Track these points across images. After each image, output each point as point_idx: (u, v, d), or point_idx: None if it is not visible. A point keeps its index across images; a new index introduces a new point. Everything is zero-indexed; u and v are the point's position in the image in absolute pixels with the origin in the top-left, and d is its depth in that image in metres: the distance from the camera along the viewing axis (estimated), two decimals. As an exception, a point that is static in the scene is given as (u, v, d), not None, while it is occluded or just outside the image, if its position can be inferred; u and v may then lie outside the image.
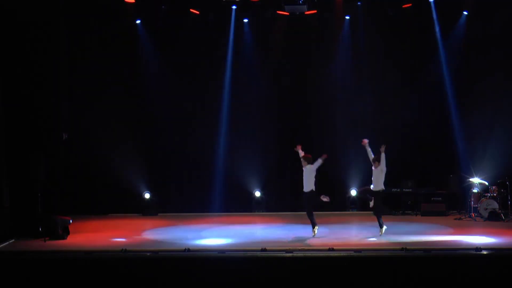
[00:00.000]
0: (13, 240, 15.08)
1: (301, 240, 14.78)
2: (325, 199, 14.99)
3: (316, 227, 14.96)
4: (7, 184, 15.74)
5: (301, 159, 15.23)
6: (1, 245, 14.44)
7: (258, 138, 19.72)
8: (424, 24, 19.38)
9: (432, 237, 15.06)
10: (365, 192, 15.39)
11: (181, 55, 19.67)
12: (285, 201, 19.77)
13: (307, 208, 15.06)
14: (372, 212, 15.54)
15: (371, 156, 15.04)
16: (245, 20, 19.85)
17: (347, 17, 19.85)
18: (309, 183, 14.94)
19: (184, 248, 13.25)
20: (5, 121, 15.89)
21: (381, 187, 14.95)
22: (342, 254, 12.77)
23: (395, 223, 17.04)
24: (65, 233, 15.28)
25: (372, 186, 15.08)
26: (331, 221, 16.85)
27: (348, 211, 19.59)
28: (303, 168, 15.12)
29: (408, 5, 19.25)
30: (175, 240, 14.86)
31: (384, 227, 14.78)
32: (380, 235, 14.70)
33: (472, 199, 17.91)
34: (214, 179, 19.57)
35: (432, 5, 19.18)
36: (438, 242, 14.34)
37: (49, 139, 17.68)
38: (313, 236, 14.85)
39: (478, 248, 12.89)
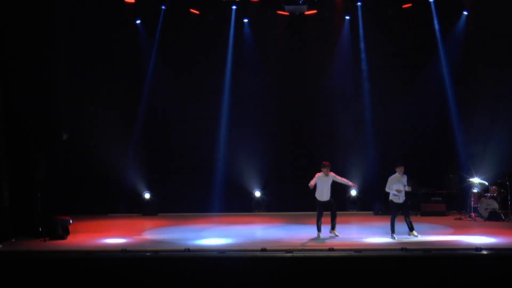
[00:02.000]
0: (13, 240, 15.09)
1: (301, 240, 14.78)
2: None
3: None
4: (7, 184, 15.73)
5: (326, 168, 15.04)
6: (1, 245, 14.44)
7: (258, 138, 19.71)
8: (424, 24, 19.39)
9: (432, 237, 15.06)
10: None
11: (181, 55, 19.68)
12: (285, 201, 19.76)
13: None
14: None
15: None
16: (245, 20, 19.86)
17: (347, 17, 19.86)
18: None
19: (184, 248, 13.24)
20: (6, 121, 15.88)
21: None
22: (342, 254, 12.77)
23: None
24: (65, 233, 15.29)
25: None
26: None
27: (348, 211, 19.59)
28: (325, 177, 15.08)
29: (408, 5, 19.27)
30: (175, 240, 14.86)
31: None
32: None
33: (472, 199, 17.91)
34: (214, 179, 19.58)
35: (432, 5, 19.20)
36: (438, 242, 14.34)
37: (49, 139, 17.67)
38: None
39: (478, 248, 12.88)
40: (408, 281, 11.56)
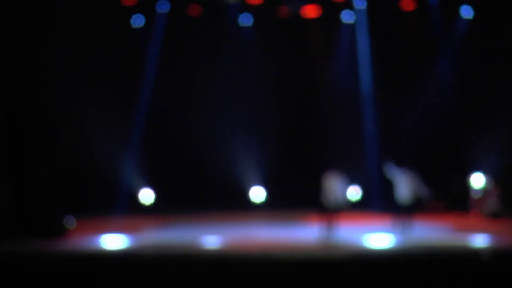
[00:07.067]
0: (13, 240, 15.08)
1: (301, 240, 14.78)
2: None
3: None
4: (7, 182, 15.72)
5: None
6: (1, 245, 14.43)
7: (258, 137, 19.73)
8: (425, 24, 19.38)
9: (432, 237, 15.06)
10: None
11: (181, 54, 19.69)
12: (286, 199, 19.76)
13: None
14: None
15: None
16: (245, 20, 19.86)
17: (347, 17, 19.85)
18: None
19: (184, 248, 13.23)
20: (5, 120, 15.87)
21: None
22: (342, 254, 12.77)
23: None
24: (65, 233, 15.28)
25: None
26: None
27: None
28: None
29: (408, 5, 19.26)
30: (175, 240, 14.85)
31: None
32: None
33: (473, 199, 17.91)
34: (214, 178, 19.60)
35: (433, 5, 19.19)
36: (438, 242, 14.34)
37: (49, 139, 17.64)
38: None
39: (478, 248, 12.87)
40: (408, 281, 11.56)
